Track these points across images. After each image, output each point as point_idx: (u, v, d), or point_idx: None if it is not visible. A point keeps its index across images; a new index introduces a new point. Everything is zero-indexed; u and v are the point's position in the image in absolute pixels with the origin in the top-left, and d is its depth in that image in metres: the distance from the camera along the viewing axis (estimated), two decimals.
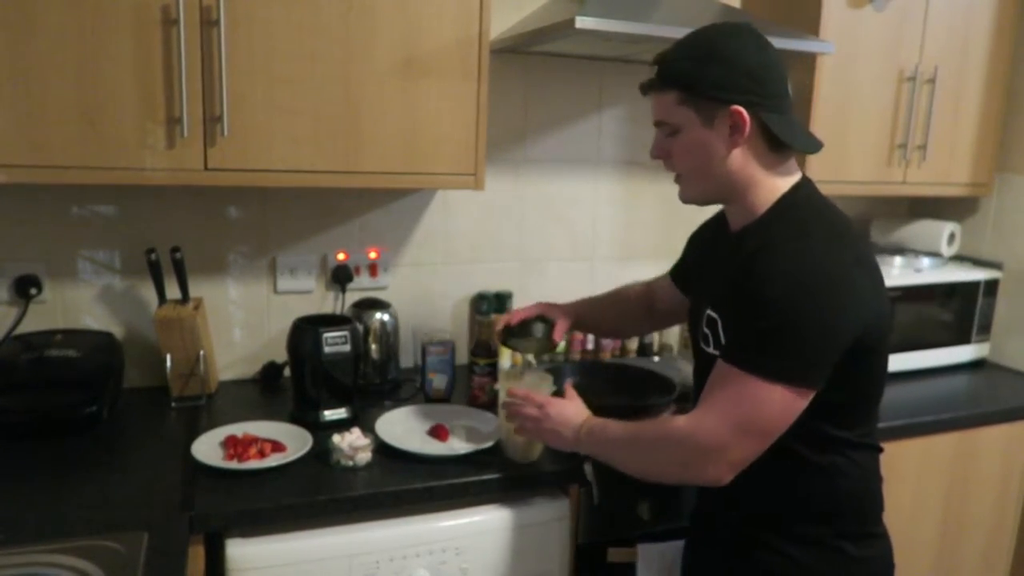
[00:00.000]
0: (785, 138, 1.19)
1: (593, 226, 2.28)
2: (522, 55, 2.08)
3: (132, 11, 1.43)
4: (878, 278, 1.18)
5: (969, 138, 2.29)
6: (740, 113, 1.17)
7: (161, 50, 1.46)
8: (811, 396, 1.11)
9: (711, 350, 1.25)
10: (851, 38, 2.05)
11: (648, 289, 1.71)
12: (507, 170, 2.16)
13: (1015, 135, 2.34)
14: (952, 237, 2.43)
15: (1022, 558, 2.26)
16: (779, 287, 1.09)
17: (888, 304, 1.21)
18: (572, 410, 1.38)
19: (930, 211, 2.56)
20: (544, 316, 1.61)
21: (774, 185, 1.23)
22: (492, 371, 1.83)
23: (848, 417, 1.21)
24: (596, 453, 1.34)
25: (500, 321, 1.62)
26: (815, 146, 1.25)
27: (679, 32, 1.64)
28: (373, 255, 2.05)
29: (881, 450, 1.29)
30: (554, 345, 1.61)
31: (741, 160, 1.21)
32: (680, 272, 1.60)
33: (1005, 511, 2.20)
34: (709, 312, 1.26)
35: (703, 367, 1.26)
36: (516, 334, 1.58)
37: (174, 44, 1.46)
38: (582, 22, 1.58)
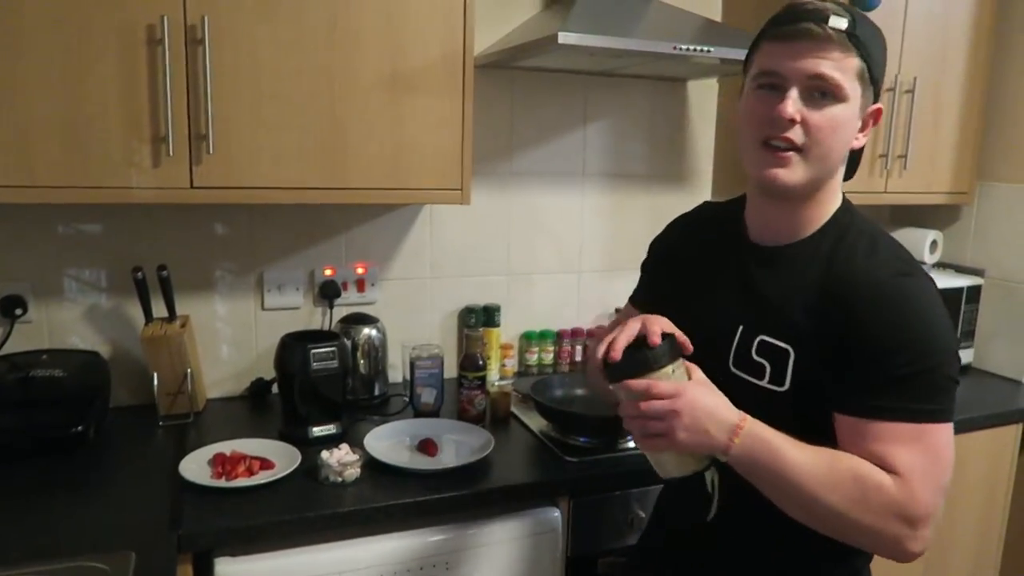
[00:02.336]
0: (856, 163, 1.15)
1: (580, 239, 2.29)
2: (507, 70, 2.10)
3: (117, 31, 1.44)
4: None
5: (949, 147, 2.32)
6: (880, 114, 1.08)
7: (146, 69, 1.47)
8: None
9: (765, 384, 1.08)
10: None
11: None
12: (494, 184, 2.17)
13: (994, 144, 2.37)
14: (934, 245, 2.46)
15: (1010, 563, 2.27)
16: (915, 330, 0.99)
17: None
18: (718, 401, 1.02)
19: (912, 219, 2.59)
20: (652, 330, 1.06)
21: (837, 198, 1.13)
22: (481, 384, 1.83)
23: None
24: (755, 467, 1.00)
25: (597, 356, 1.06)
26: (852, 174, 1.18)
27: (661, 46, 1.67)
28: (360, 270, 2.05)
29: None
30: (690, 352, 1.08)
31: (844, 162, 1.10)
32: (651, 293, 1.34)
33: (992, 516, 2.21)
34: (767, 339, 1.08)
35: (744, 398, 1.05)
36: (633, 364, 1.03)
37: (159, 63, 1.46)
38: (565, 37, 1.59)
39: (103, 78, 1.44)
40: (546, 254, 2.28)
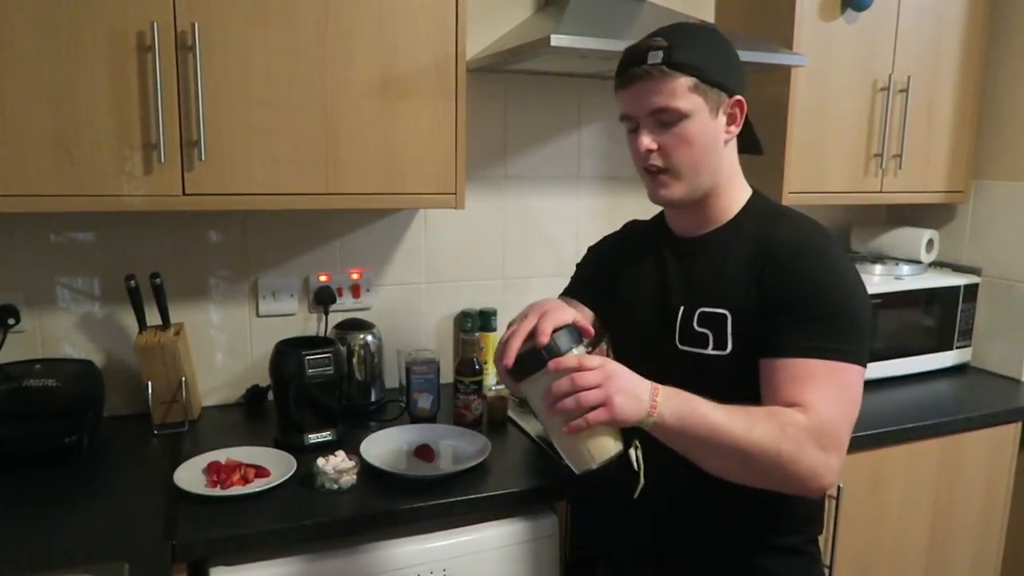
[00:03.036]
0: (755, 138, 1.24)
1: (575, 241, 2.29)
2: (501, 73, 2.10)
3: (107, 38, 1.43)
4: None
5: (944, 146, 2.32)
6: (743, 104, 1.18)
7: (137, 76, 1.46)
8: None
9: (710, 351, 1.17)
10: (824, 50, 2.08)
11: None
12: (488, 188, 2.16)
13: (989, 142, 2.37)
14: (931, 244, 2.45)
15: (1011, 562, 2.27)
16: (832, 278, 1.12)
17: None
18: (628, 372, 1.05)
19: (908, 219, 2.59)
20: (542, 330, 1.07)
21: (742, 188, 1.25)
22: (478, 389, 1.82)
23: None
24: (678, 429, 1.03)
25: (501, 360, 1.08)
26: (762, 150, 1.29)
27: None
28: (355, 276, 2.05)
29: None
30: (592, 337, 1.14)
31: (727, 156, 1.21)
32: (588, 287, 1.42)
33: (992, 515, 2.21)
34: (706, 310, 1.18)
35: (694, 370, 1.16)
36: (528, 364, 1.04)
37: (150, 70, 1.46)
38: (557, 40, 1.59)
39: (94, 85, 1.44)
40: (542, 258, 2.27)
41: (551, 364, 1.02)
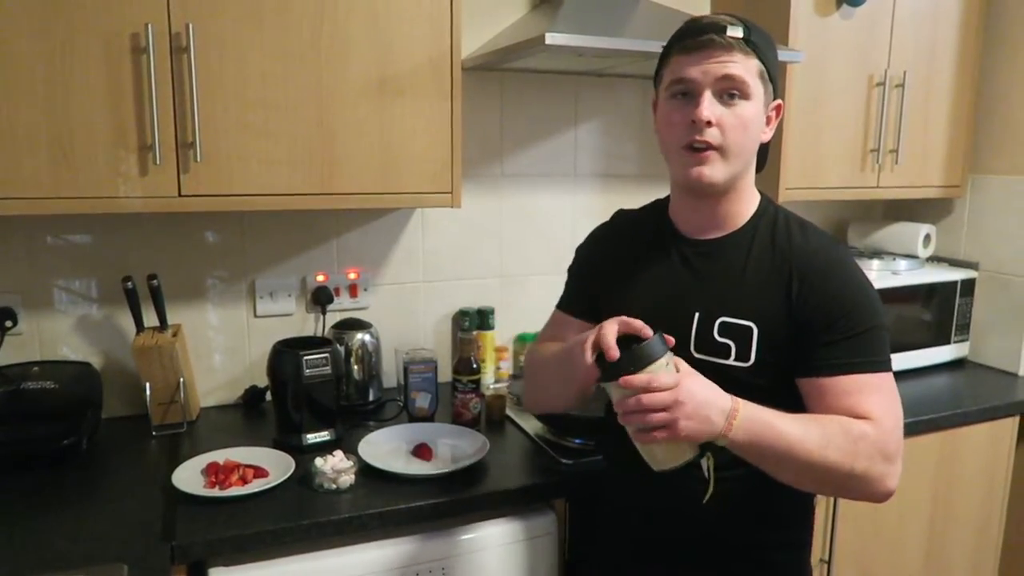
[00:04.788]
0: (766, 152, 1.23)
1: (572, 240, 2.26)
2: (496, 72, 2.09)
3: (102, 39, 1.43)
4: None
5: (940, 141, 2.32)
6: (780, 109, 1.19)
7: (132, 77, 1.46)
8: None
9: (731, 362, 1.15)
10: (820, 46, 2.08)
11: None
12: (485, 186, 2.16)
13: (985, 137, 2.37)
14: (928, 239, 2.45)
15: (1010, 556, 2.27)
16: (862, 291, 1.14)
17: None
18: (712, 388, 1.04)
19: (905, 213, 2.59)
20: (636, 327, 1.08)
21: (755, 191, 1.24)
22: (476, 388, 1.82)
23: None
24: (755, 445, 1.03)
25: (585, 359, 1.10)
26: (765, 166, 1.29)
27: (649, 46, 1.66)
28: (353, 275, 2.05)
29: None
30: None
31: (755, 156, 1.21)
32: (583, 299, 1.37)
33: (991, 510, 2.21)
34: (728, 320, 1.16)
35: (710, 379, 1.09)
36: (630, 361, 1.03)
37: (144, 71, 1.45)
38: (552, 38, 1.59)
39: (88, 87, 1.44)
40: (539, 255, 2.27)
41: (621, 380, 1.02)
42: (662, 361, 1.03)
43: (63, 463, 1.56)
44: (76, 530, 1.32)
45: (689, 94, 1.13)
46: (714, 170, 1.13)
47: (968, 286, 2.37)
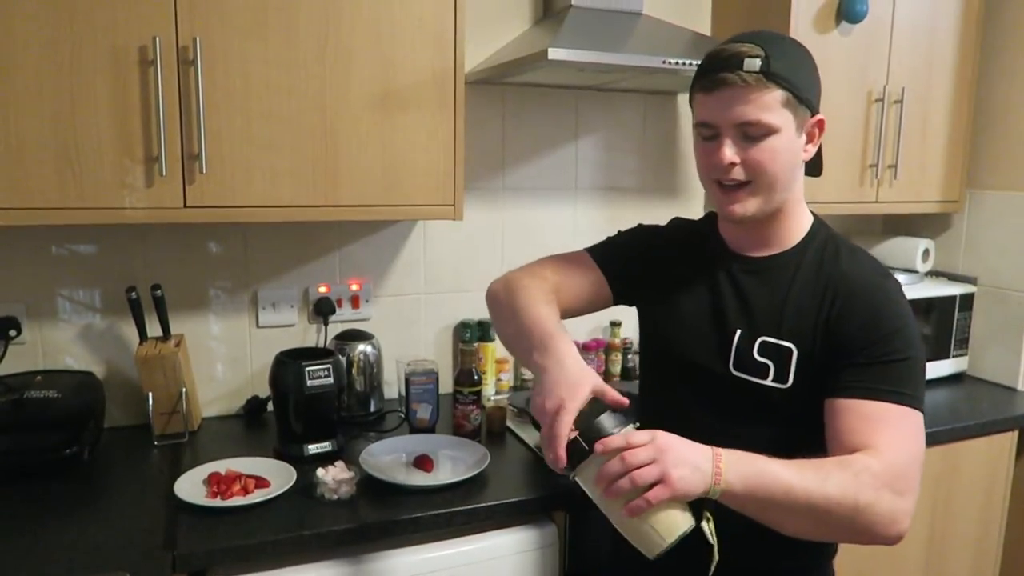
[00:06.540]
0: (820, 160, 1.20)
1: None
2: (499, 86, 2.11)
3: (109, 52, 1.45)
4: None
5: (938, 156, 2.33)
6: (823, 124, 1.14)
7: (139, 90, 1.48)
8: None
9: (768, 383, 1.13)
10: (819, 62, 2.05)
11: (553, 293, 1.29)
12: (487, 199, 2.18)
13: (983, 152, 2.39)
14: (926, 253, 2.47)
15: (1009, 570, 2.27)
16: (901, 321, 1.10)
17: None
18: (681, 438, 0.99)
19: (904, 228, 2.61)
20: (593, 399, 1.02)
21: (806, 211, 1.22)
22: (476, 399, 1.83)
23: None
24: (751, 491, 0.97)
25: (554, 458, 0.99)
26: (821, 171, 1.26)
27: (651, 61, 1.68)
28: (355, 286, 2.06)
29: None
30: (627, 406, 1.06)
31: (800, 177, 1.17)
32: (618, 264, 1.34)
33: (990, 524, 2.21)
34: (769, 340, 1.14)
35: (745, 398, 1.13)
36: (574, 453, 0.99)
37: (151, 84, 1.47)
38: (555, 53, 1.60)
39: (96, 99, 1.45)
40: None
41: (597, 447, 0.96)
42: (628, 427, 0.99)
43: (65, 473, 1.56)
44: (78, 539, 1.32)
45: (713, 136, 1.12)
46: (746, 206, 1.12)
47: (967, 301, 2.38)
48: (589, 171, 2.29)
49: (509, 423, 1.90)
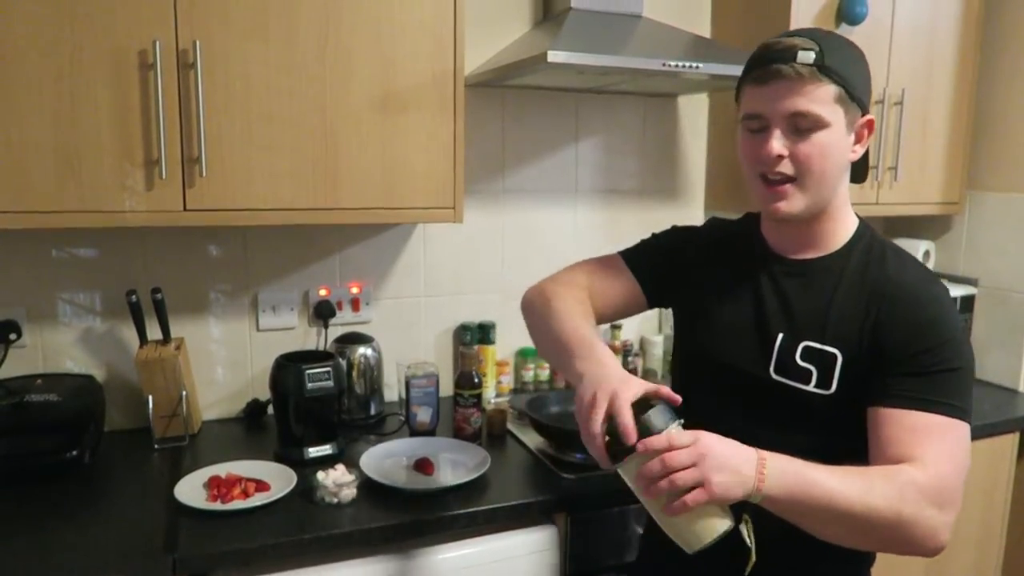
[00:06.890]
0: (866, 164, 1.17)
1: (574, 255, 2.28)
2: (498, 88, 2.11)
3: (109, 56, 1.45)
4: None
5: (939, 158, 2.33)
6: (872, 124, 1.12)
7: (139, 93, 1.48)
8: None
9: (811, 388, 1.11)
10: None
11: (588, 301, 1.33)
12: (487, 202, 2.18)
13: (983, 154, 2.39)
14: (927, 255, 2.47)
15: (1011, 572, 2.26)
16: (950, 330, 1.07)
17: None
18: (727, 440, 0.98)
19: (904, 230, 2.61)
20: (644, 397, 1.01)
21: (851, 213, 1.18)
22: (477, 402, 1.83)
23: None
24: (793, 498, 0.96)
25: (598, 450, 1.00)
26: (866, 176, 1.24)
27: (651, 63, 1.68)
28: (355, 289, 2.06)
29: None
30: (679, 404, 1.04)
31: (846, 177, 1.15)
32: (651, 268, 1.34)
33: (992, 525, 2.21)
34: (813, 345, 1.11)
35: (787, 404, 1.11)
36: (616, 448, 0.98)
37: (151, 87, 1.47)
38: (554, 56, 1.61)
39: (96, 103, 1.45)
40: (540, 270, 2.26)
41: (639, 446, 0.95)
42: (673, 425, 0.98)
43: (65, 476, 1.56)
44: (78, 543, 1.32)
45: (762, 128, 1.09)
46: (792, 203, 1.09)
47: (967, 302, 2.38)
48: (589, 173, 2.29)
49: (510, 426, 1.90)
